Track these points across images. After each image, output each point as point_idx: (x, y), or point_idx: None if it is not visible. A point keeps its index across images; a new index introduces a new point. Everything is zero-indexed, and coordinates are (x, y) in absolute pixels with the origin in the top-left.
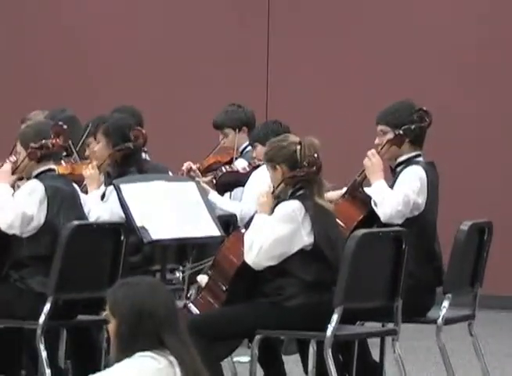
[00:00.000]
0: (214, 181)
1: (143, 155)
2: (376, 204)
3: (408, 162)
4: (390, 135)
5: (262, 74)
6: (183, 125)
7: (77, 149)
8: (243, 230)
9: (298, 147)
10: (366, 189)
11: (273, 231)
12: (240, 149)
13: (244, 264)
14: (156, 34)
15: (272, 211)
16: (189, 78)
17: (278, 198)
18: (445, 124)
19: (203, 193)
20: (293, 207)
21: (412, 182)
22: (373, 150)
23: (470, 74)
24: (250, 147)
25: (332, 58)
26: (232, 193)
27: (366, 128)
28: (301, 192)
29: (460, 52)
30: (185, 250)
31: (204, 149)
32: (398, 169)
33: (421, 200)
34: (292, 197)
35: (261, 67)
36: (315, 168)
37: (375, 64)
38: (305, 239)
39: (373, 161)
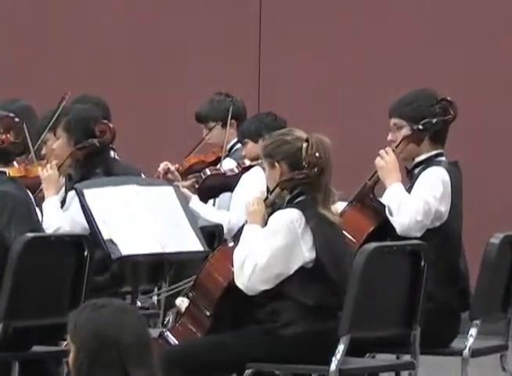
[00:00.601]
0: (197, 185)
1: (111, 154)
2: (391, 213)
3: (428, 162)
4: (406, 131)
5: (253, 61)
6: (159, 118)
7: (35, 146)
8: (230, 244)
9: (305, 145)
10: (385, 196)
11: (268, 247)
12: (228, 146)
13: (232, 284)
14: (135, 16)
15: (266, 221)
16: (169, 64)
17: (273, 205)
18: (468, 120)
19: (183, 200)
20: (291, 217)
21: (434, 186)
22: (388, 148)
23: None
24: (239, 144)
25: (332, 43)
26: (218, 199)
27: (376, 123)
28: (301, 198)
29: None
30: (162, 268)
31: (185, 146)
32: (416, 171)
33: (444, 208)
34: (290, 204)
35: (251, 53)
36: (316, 170)
37: (381, 50)
38: (306, 255)
39: (386, 160)
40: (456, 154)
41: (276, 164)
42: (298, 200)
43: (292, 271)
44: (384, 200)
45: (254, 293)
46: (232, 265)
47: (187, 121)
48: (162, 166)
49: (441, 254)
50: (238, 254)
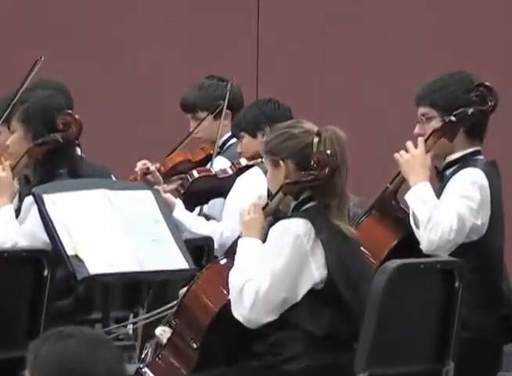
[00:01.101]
0: (182, 190)
1: (77, 151)
2: (417, 225)
3: (462, 162)
4: (436, 123)
5: (250, 37)
6: (136, 107)
7: None
8: (223, 261)
9: (315, 139)
10: (407, 198)
11: (271, 268)
12: (220, 142)
13: (225, 310)
14: None
15: (266, 232)
16: (150, 45)
17: (276, 213)
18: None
19: (165, 207)
20: (297, 229)
21: (470, 193)
22: (421, 139)
23: None
24: (233, 139)
25: (341, 19)
26: (207, 207)
27: (396, 114)
28: (310, 205)
29: None
30: (138, 291)
31: (168, 142)
32: (448, 172)
33: (482, 220)
34: (296, 212)
35: (248, 28)
36: (327, 171)
37: (398, 28)
38: (316, 275)
39: (413, 153)
40: (493, 153)
41: (281, 163)
42: (306, 207)
43: (300, 296)
44: (407, 200)
45: (257, 326)
46: (225, 287)
47: (171, 110)
48: (140, 166)
49: (479, 273)
50: (234, 279)
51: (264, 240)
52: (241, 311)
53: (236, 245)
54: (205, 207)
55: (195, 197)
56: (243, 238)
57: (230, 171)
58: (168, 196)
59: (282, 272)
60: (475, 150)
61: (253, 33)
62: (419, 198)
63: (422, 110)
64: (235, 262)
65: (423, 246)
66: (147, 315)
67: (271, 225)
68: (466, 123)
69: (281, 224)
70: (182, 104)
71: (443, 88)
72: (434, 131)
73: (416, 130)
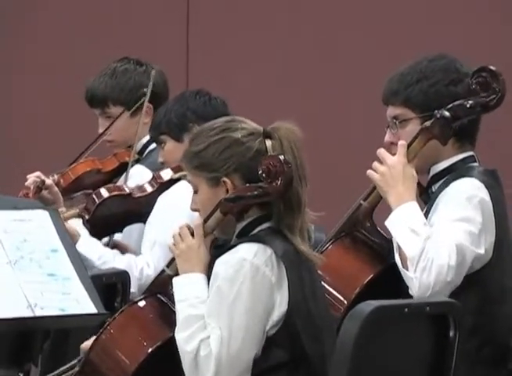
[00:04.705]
0: (87, 215)
1: None
2: (404, 263)
3: (453, 172)
4: (413, 127)
5: (181, 30)
6: (24, 102)
7: None
8: (141, 303)
9: (269, 143)
10: (389, 225)
11: (228, 321)
12: (140, 146)
13: (144, 367)
14: None
15: (210, 265)
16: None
17: (215, 239)
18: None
19: (66, 233)
20: (255, 260)
21: (468, 213)
22: (401, 144)
23: None
24: (154, 144)
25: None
26: (121, 236)
27: (356, 113)
28: (262, 227)
29: None
30: (31, 342)
31: (69, 147)
32: (435, 188)
33: (485, 245)
34: (247, 237)
35: (179, 20)
36: (280, 182)
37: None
38: (275, 315)
39: (390, 163)
40: (490, 161)
41: (226, 180)
42: (258, 230)
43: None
44: (389, 228)
45: None
46: (145, 337)
47: (73, 105)
48: (32, 178)
49: (481, 317)
50: (183, 341)
51: (208, 274)
52: None
53: (158, 281)
54: (118, 237)
55: (104, 224)
56: (180, 276)
57: (149, 189)
58: (70, 224)
59: (246, 323)
60: (467, 156)
61: (181, 14)
62: (405, 226)
63: (392, 110)
64: (177, 313)
65: (414, 292)
66: None
67: (214, 257)
68: (464, 120)
69: (230, 256)
70: (87, 97)
71: (421, 81)
72: (423, 131)
73: (387, 138)
